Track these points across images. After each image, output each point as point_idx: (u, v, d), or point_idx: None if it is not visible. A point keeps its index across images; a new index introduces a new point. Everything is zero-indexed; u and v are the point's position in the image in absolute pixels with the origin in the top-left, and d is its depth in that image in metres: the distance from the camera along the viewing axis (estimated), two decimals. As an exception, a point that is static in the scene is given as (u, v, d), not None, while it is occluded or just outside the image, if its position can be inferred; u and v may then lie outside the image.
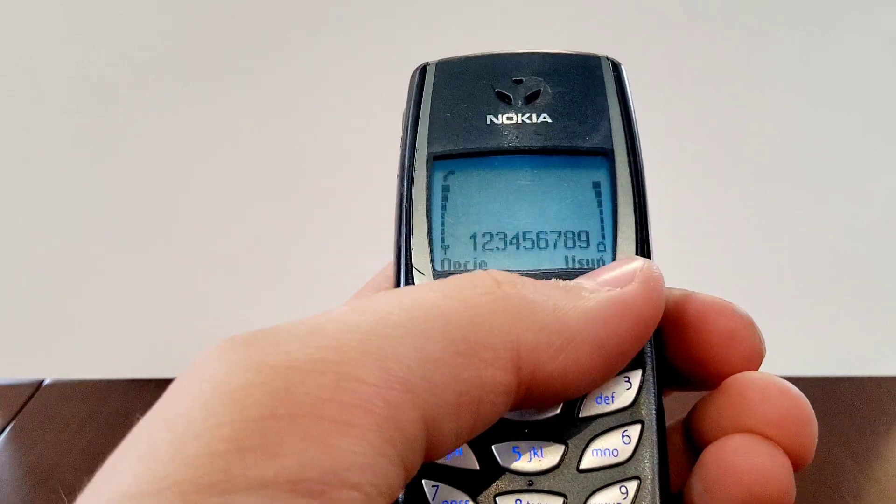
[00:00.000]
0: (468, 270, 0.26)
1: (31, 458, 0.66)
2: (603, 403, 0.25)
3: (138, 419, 0.19)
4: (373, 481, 0.19)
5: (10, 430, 0.69)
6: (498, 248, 0.28)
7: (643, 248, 0.27)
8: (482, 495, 0.24)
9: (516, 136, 0.29)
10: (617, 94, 0.29)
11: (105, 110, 0.72)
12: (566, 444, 0.25)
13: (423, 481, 0.24)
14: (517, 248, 0.28)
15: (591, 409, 0.25)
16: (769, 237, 0.77)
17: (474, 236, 0.28)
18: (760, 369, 0.26)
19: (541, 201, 0.28)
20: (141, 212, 0.75)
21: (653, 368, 0.26)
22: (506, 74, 0.30)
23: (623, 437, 0.25)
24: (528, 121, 0.29)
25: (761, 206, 0.76)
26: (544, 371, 0.22)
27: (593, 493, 0.24)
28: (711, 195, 0.76)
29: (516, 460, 0.25)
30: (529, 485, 0.25)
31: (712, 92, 0.73)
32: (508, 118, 0.29)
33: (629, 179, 0.28)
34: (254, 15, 0.70)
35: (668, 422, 0.26)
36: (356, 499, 0.18)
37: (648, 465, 0.25)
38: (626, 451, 0.25)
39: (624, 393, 0.25)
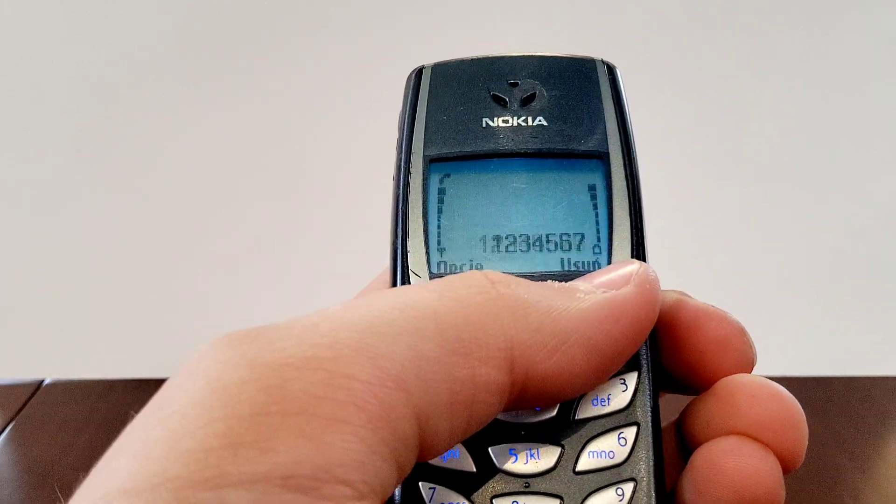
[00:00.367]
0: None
1: (30, 458, 0.66)
2: (599, 405, 0.25)
3: (133, 416, 0.19)
4: (365, 478, 0.19)
5: (10, 430, 0.69)
6: (494, 251, 0.28)
7: (638, 251, 0.27)
8: (479, 497, 0.25)
9: (512, 139, 0.29)
10: (612, 97, 0.30)
11: (105, 110, 0.72)
12: (562, 446, 0.25)
13: (419, 483, 0.25)
14: (513, 250, 0.28)
15: (587, 411, 0.25)
16: (768, 237, 0.77)
17: (470, 239, 0.28)
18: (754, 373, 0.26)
19: (537, 204, 0.28)
20: (141, 212, 0.75)
21: (648, 371, 0.26)
22: (501, 77, 0.30)
23: (619, 439, 0.25)
24: (523, 124, 0.29)
25: (760, 206, 0.76)
26: (538, 371, 0.22)
27: (589, 494, 0.24)
28: (711, 196, 0.76)
29: (513, 462, 0.25)
30: (526, 487, 0.25)
31: (711, 92, 0.73)
32: (504, 121, 0.29)
33: (624, 182, 0.28)
34: (253, 15, 0.70)
35: (662, 423, 0.26)
36: (348, 494, 0.18)
37: (644, 467, 0.25)
38: (622, 453, 0.25)
39: (620, 395, 0.25)
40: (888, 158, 0.75)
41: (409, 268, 0.27)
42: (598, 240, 0.28)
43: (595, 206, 0.28)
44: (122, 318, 0.78)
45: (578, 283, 0.24)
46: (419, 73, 0.31)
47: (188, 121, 0.73)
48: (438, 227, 0.28)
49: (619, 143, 0.29)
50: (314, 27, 0.70)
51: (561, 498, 0.24)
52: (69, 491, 0.19)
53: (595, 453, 0.25)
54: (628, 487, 0.24)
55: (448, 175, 0.29)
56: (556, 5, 0.70)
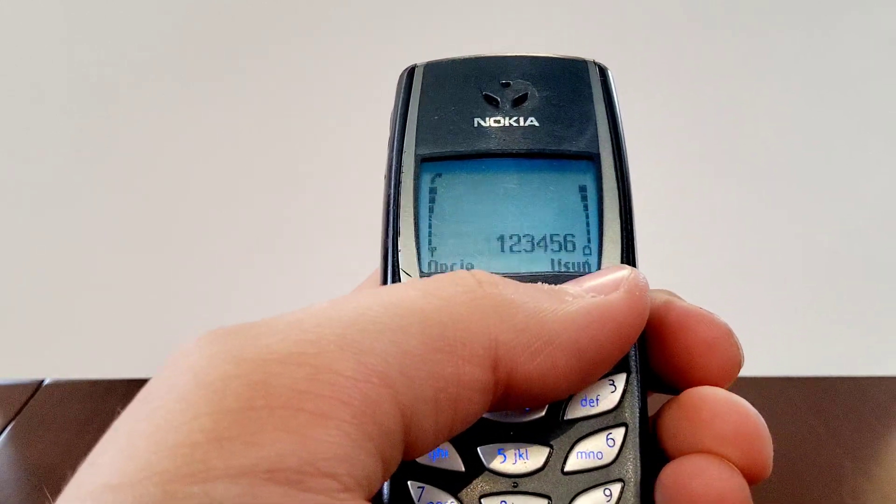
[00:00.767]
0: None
1: (31, 458, 0.66)
2: (588, 406, 0.25)
3: (119, 413, 0.20)
4: (350, 472, 0.19)
5: (10, 430, 0.69)
6: (485, 251, 0.28)
7: (629, 252, 0.27)
8: (467, 497, 0.25)
9: (504, 140, 0.29)
10: (604, 98, 0.30)
11: (105, 110, 0.72)
12: (551, 447, 0.25)
13: (408, 482, 0.25)
14: (504, 250, 0.28)
15: (575, 411, 0.25)
16: (767, 237, 0.77)
17: (461, 238, 0.28)
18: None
19: (528, 205, 0.28)
20: (141, 212, 0.76)
21: (637, 372, 0.26)
22: (493, 77, 0.30)
23: (607, 439, 0.25)
24: (515, 124, 0.29)
25: (760, 206, 0.76)
26: (522, 371, 0.22)
27: (577, 495, 0.24)
28: (710, 196, 0.76)
29: (501, 462, 0.25)
30: (514, 486, 0.25)
31: (705, 92, 0.73)
32: (496, 121, 0.29)
33: (615, 183, 0.28)
34: (251, 15, 0.70)
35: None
36: (333, 487, 0.18)
37: (632, 468, 0.25)
38: (610, 454, 0.25)
39: (608, 396, 0.25)
40: (886, 158, 0.75)
41: (400, 267, 0.27)
42: (589, 241, 0.28)
43: (586, 207, 0.28)
44: (122, 318, 0.78)
45: (567, 287, 0.24)
46: (411, 72, 0.31)
47: (187, 121, 0.73)
48: (430, 226, 0.28)
49: (609, 145, 0.29)
50: (309, 27, 0.70)
51: (549, 498, 0.24)
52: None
53: (583, 454, 0.25)
54: (616, 488, 0.24)
55: (439, 174, 0.29)
56: (548, 5, 0.70)
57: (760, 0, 0.70)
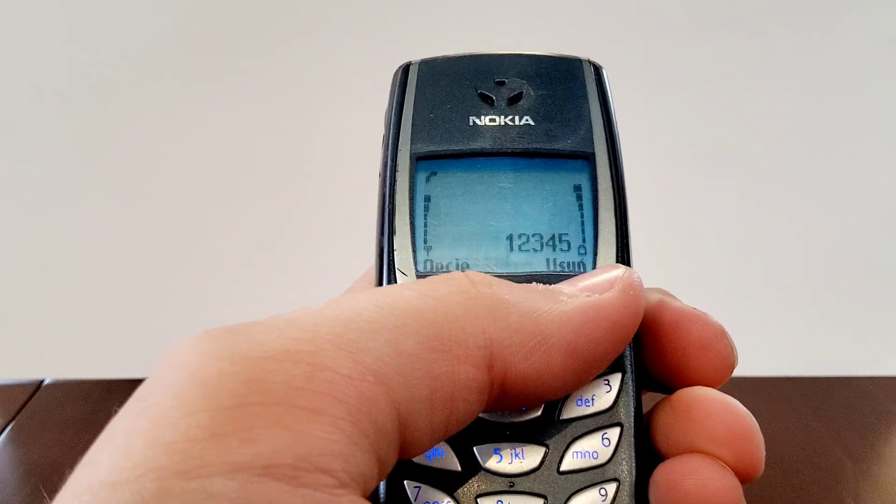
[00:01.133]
0: (450, 272, 0.26)
1: (31, 458, 0.66)
2: (583, 406, 0.25)
3: (115, 411, 0.20)
4: (345, 468, 0.19)
5: (10, 430, 0.69)
6: (480, 250, 0.28)
7: (623, 252, 0.27)
8: (463, 496, 0.25)
9: (499, 138, 0.29)
10: (598, 97, 0.30)
11: (105, 110, 0.73)
12: (547, 446, 0.25)
13: (405, 482, 0.25)
14: (499, 249, 0.28)
15: (571, 411, 0.25)
16: (768, 238, 0.77)
17: (457, 237, 0.28)
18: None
19: (523, 204, 0.28)
20: (141, 212, 0.76)
21: (632, 372, 0.26)
22: (488, 75, 0.30)
23: (602, 439, 0.25)
24: (510, 123, 0.29)
25: (760, 206, 0.76)
26: (517, 371, 0.22)
27: (573, 494, 0.24)
28: (708, 195, 0.76)
29: (497, 462, 0.25)
30: (510, 486, 0.25)
31: (701, 92, 0.73)
32: (491, 120, 0.29)
33: (610, 183, 0.28)
34: (249, 15, 0.70)
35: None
36: (328, 483, 0.18)
37: (627, 468, 0.25)
38: (605, 454, 0.25)
39: (604, 396, 0.26)
40: (885, 158, 0.75)
41: (396, 266, 0.27)
42: (584, 240, 0.28)
43: (581, 207, 0.28)
44: (122, 318, 0.78)
45: (562, 286, 0.25)
46: (406, 69, 0.31)
47: (186, 121, 0.73)
48: (425, 225, 0.28)
49: (604, 144, 0.29)
50: (306, 27, 0.70)
51: (545, 497, 0.24)
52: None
53: (579, 453, 0.25)
54: (611, 487, 0.24)
55: (434, 173, 0.29)
56: (544, 4, 0.70)
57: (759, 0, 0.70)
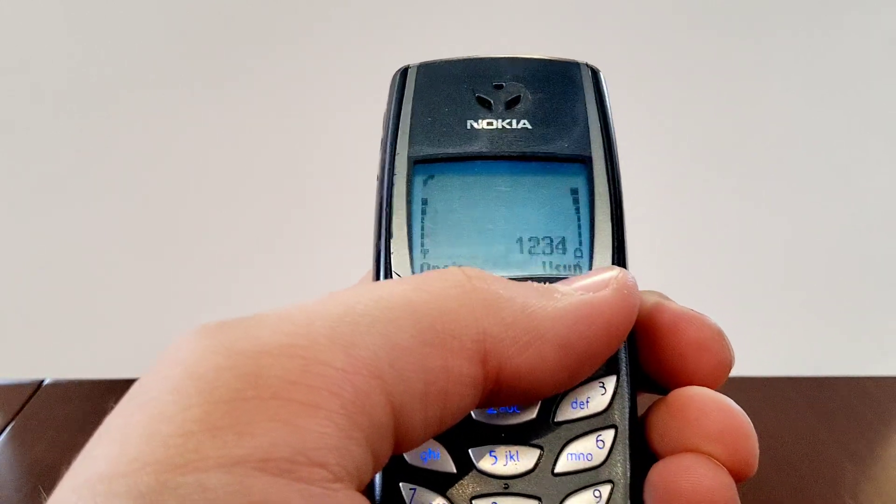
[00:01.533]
0: None
1: (31, 458, 0.66)
2: (578, 408, 0.26)
3: (112, 407, 0.20)
4: (340, 462, 0.19)
5: (10, 430, 0.69)
6: (477, 253, 0.28)
7: (619, 254, 0.28)
8: (458, 498, 0.25)
9: (496, 142, 0.29)
10: (596, 100, 0.30)
11: (105, 110, 0.73)
12: (541, 448, 0.25)
13: (400, 484, 0.25)
14: (496, 252, 0.28)
15: (566, 413, 0.26)
16: (768, 238, 0.77)
17: (453, 240, 0.28)
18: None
19: (519, 207, 0.28)
20: (141, 212, 0.76)
21: (627, 374, 0.26)
22: (486, 79, 0.30)
23: (597, 441, 0.25)
24: (507, 126, 0.29)
25: (760, 206, 0.76)
26: (511, 366, 0.22)
27: (567, 496, 0.25)
28: (707, 198, 0.76)
29: (492, 464, 0.25)
30: (505, 488, 0.25)
31: (701, 94, 0.73)
32: (488, 123, 0.29)
33: (606, 186, 0.28)
34: (248, 16, 0.70)
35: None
36: (324, 477, 0.19)
37: (621, 470, 0.25)
38: (599, 456, 0.25)
39: (598, 398, 0.26)
40: (885, 158, 0.75)
41: (392, 269, 0.28)
42: (580, 243, 0.28)
43: (577, 210, 0.28)
44: (122, 318, 0.78)
45: (557, 285, 0.25)
46: (404, 72, 0.31)
47: (187, 122, 0.73)
48: (422, 228, 0.28)
49: (601, 147, 0.29)
50: (305, 28, 0.70)
51: (539, 499, 0.25)
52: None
53: (573, 455, 0.25)
54: (605, 489, 0.25)
55: (432, 176, 0.29)
56: (541, 7, 0.70)
57: (757, 1, 0.70)
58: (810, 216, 0.77)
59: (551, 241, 0.28)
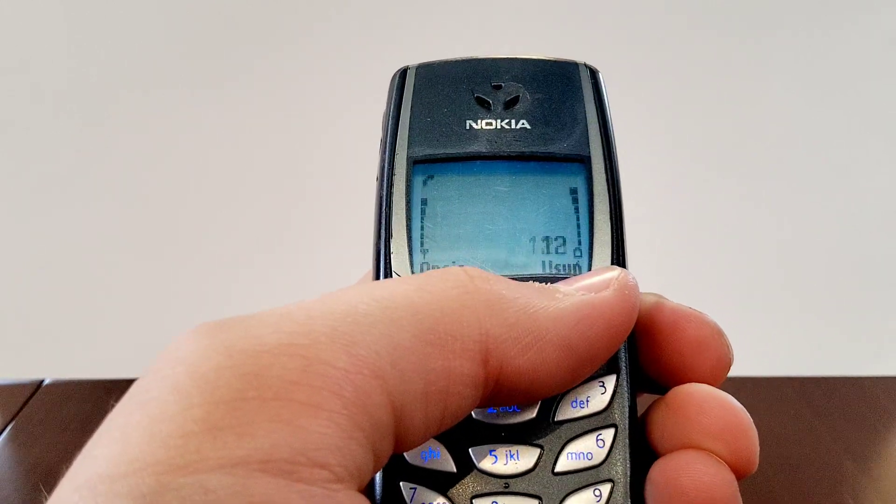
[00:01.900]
0: None
1: (31, 458, 0.66)
2: (578, 407, 0.26)
3: (113, 406, 0.20)
4: (342, 462, 0.19)
5: (10, 430, 0.69)
6: (476, 253, 0.28)
7: (619, 254, 0.28)
8: (459, 497, 0.25)
9: (495, 142, 0.29)
10: (594, 100, 0.30)
11: (105, 110, 0.73)
12: (541, 448, 0.25)
13: (400, 483, 0.25)
14: (495, 252, 0.28)
15: (566, 412, 0.26)
16: (768, 238, 0.77)
17: (453, 240, 0.28)
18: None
19: (519, 206, 0.28)
20: (141, 212, 0.76)
21: (627, 373, 0.26)
22: (485, 79, 0.30)
23: (597, 440, 0.25)
24: (506, 126, 0.29)
25: (759, 206, 0.76)
26: (512, 366, 0.22)
27: (568, 495, 0.25)
28: (706, 197, 0.76)
29: (493, 463, 0.25)
30: (505, 487, 0.25)
31: (699, 94, 0.73)
32: (487, 123, 0.29)
33: (605, 186, 0.28)
34: (250, 18, 0.70)
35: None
36: (325, 477, 0.19)
37: (621, 469, 0.25)
38: (599, 455, 0.25)
39: (598, 397, 0.26)
40: (885, 158, 0.75)
41: (392, 269, 0.28)
42: (580, 243, 0.28)
43: (576, 210, 0.28)
44: (122, 318, 0.78)
45: (559, 285, 0.25)
46: (403, 73, 0.31)
47: (187, 122, 0.73)
48: (421, 228, 0.28)
49: (600, 147, 0.29)
50: (305, 30, 0.70)
51: (540, 498, 0.25)
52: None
53: (573, 454, 0.25)
54: (606, 488, 0.25)
55: (431, 177, 0.29)
56: (540, 7, 0.70)
57: (757, 1, 0.70)
58: (810, 216, 0.77)
59: (550, 240, 0.28)
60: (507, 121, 0.29)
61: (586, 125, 0.29)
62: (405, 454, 0.25)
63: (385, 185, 0.29)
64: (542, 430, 0.25)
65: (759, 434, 0.25)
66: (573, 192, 0.28)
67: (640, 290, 0.26)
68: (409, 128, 0.29)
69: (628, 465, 0.25)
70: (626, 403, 0.26)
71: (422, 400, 0.21)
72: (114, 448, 0.18)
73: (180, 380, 0.19)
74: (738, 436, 0.24)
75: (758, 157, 0.75)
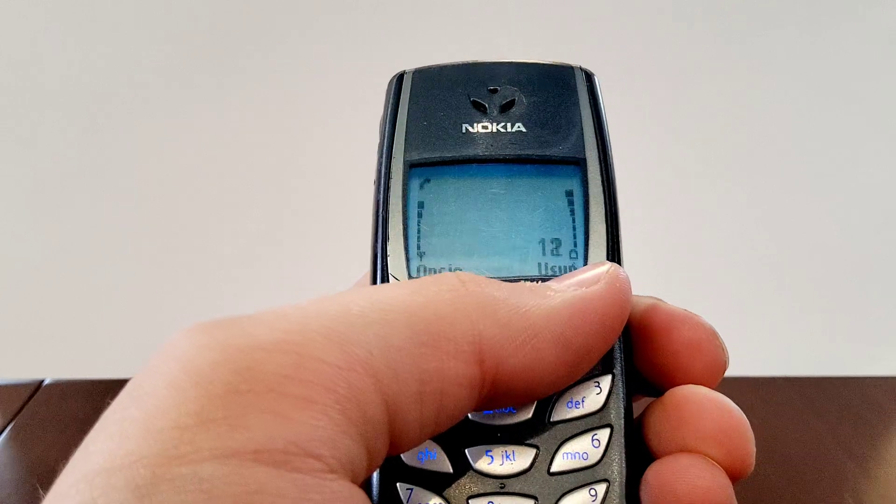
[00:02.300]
0: None
1: (31, 458, 0.67)
2: (573, 408, 0.26)
3: (108, 403, 0.20)
4: (335, 454, 0.19)
5: (10, 430, 0.70)
6: (473, 255, 0.28)
7: (614, 255, 0.28)
8: (455, 498, 0.25)
9: (491, 145, 0.29)
10: (590, 103, 0.30)
11: (105, 110, 0.73)
12: (537, 448, 0.25)
13: (397, 484, 0.25)
14: (491, 254, 0.28)
15: (561, 413, 0.26)
16: (768, 238, 0.77)
17: (450, 243, 0.28)
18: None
19: (515, 209, 0.28)
20: (140, 212, 0.76)
21: (622, 374, 0.26)
22: (481, 83, 0.30)
23: (593, 440, 0.25)
24: (502, 130, 0.29)
25: (759, 206, 0.76)
26: (508, 366, 0.22)
27: (563, 495, 0.25)
28: (705, 199, 0.76)
29: (489, 463, 0.25)
30: (501, 487, 0.25)
31: (695, 96, 0.73)
32: (483, 127, 0.29)
33: (601, 188, 0.28)
34: (252, 20, 0.70)
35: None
36: (318, 467, 0.19)
37: (617, 469, 0.25)
38: (595, 455, 0.25)
39: (594, 397, 0.26)
40: (885, 158, 0.75)
41: (389, 272, 0.28)
42: (575, 245, 0.28)
43: (572, 212, 0.28)
44: (122, 318, 0.78)
45: (550, 283, 0.25)
46: (400, 78, 0.31)
47: (186, 122, 0.73)
48: (418, 231, 0.28)
49: (595, 150, 0.29)
50: (304, 31, 0.70)
51: (536, 498, 0.25)
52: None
53: (569, 455, 0.25)
54: (601, 488, 0.25)
55: (428, 180, 0.29)
56: (535, 11, 0.70)
57: (757, 1, 0.70)
58: (809, 216, 0.77)
59: (546, 242, 0.28)
60: (503, 124, 0.29)
61: (582, 128, 0.29)
62: (402, 455, 0.25)
63: (382, 189, 0.29)
64: (538, 430, 0.26)
65: (758, 435, 0.25)
66: (569, 194, 0.29)
67: (637, 293, 0.26)
68: (406, 131, 0.30)
69: (624, 466, 0.25)
70: (622, 404, 0.26)
71: (416, 400, 0.21)
72: (110, 443, 0.18)
73: (175, 375, 0.19)
74: (734, 438, 0.24)
75: (754, 158, 0.75)
